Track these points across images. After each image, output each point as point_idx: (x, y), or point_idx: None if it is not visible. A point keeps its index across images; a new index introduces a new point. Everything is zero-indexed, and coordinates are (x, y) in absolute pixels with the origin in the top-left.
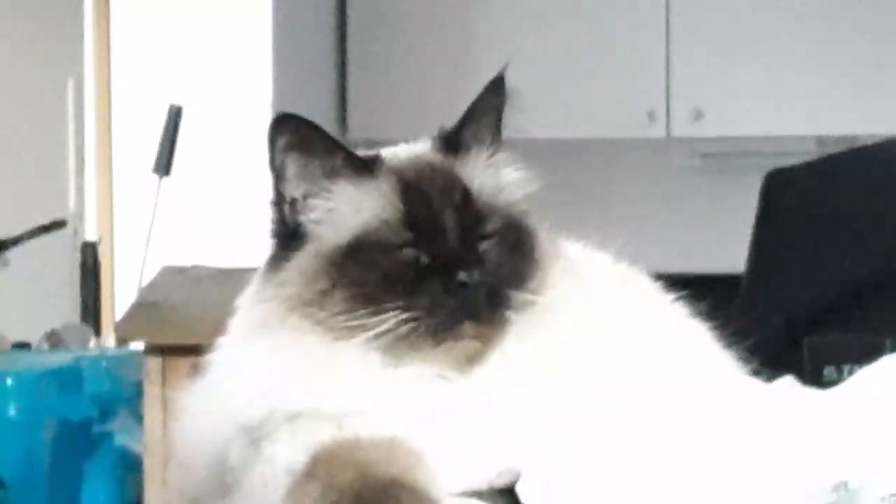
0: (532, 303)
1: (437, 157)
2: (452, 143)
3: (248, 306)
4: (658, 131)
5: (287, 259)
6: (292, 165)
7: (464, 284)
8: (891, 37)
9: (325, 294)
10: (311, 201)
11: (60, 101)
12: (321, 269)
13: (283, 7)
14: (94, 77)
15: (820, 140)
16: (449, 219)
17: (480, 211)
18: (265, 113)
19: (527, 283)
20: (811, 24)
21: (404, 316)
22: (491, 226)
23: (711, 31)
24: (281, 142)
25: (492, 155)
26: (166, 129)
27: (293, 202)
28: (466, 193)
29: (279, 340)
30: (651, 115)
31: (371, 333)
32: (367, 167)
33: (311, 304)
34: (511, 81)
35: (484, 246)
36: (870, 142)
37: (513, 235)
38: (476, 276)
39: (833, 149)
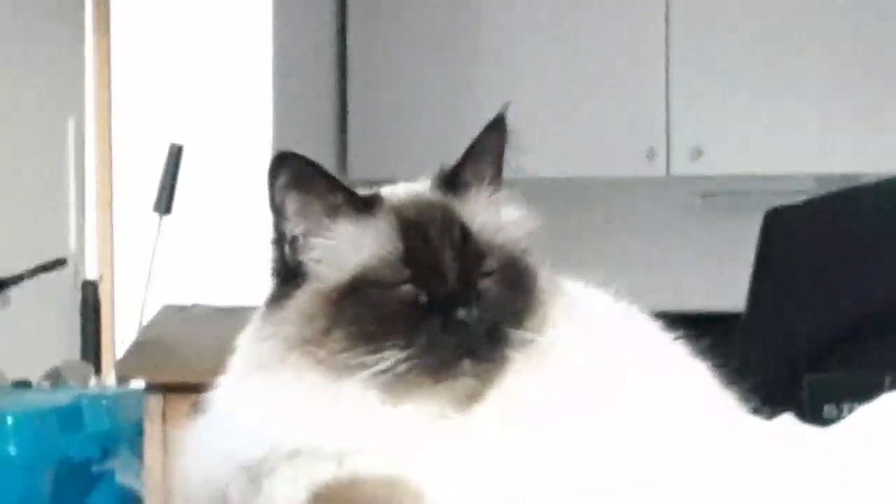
0: (532, 341)
1: (436, 196)
2: (452, 181)
3: (248, 344)
4: (658, 170)
5: (287, 297)
6: (292, 204)
7: (462, 322)
8: (891, 76)
9: (324, 333)
10: (312, 240)
11: (61, 139)
12: (321, 308)
13: (283, 47)
14: (95, 116)
15: (820, 178)
16: (448, 257)
17: (480, 249)
18: (265, 152)
19: (526, 321)
20: (811, 63)
21: (402, 355)
22: (490, 264)
23: (711, 69)
24: (281, 180)
25: (492, 194)
26: (167, 167)
27: (293, 241)
28: (466, 232)
29: (279, 379)
30: (651, 154)
31: (370, 372)
32: (367, 206)
33: (310, 342)
34: (511, 120)
35: (483, 284)
36: (870, 180)
37: (512, 274)
38: (475, 313)
39: (833, 187)
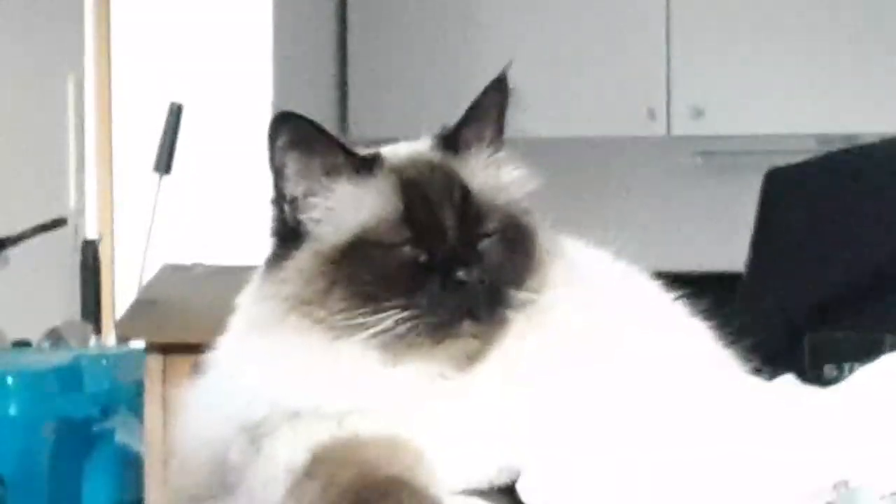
0: (532, 301)
1: (437, 156)
2: (453, 141)
3: (248, 305)
4: (658, 129)
5: (287, 257)
6: (292, 164)
7: (462, 283)
8: (892, 35)
9: (324, 293)
10: (311, 200)
11: (61, 98)
12: (321, 268)
13: (283, 5)
14: (95, 74)
15: (820, 138)
16: (448, 217)
17: (480, 209)
18: (266, 111)
19: (526, 281)
20: (812, 23)
21: (403, 315)
22: (490, 224)
23: (712, 28)
24: (281, 140)
25: (492, 154)
26: (167, 127)
27: (293, 201)
28: (466, 192)
29: (278, 339)
30: (651, 114)
31: (370, 332)
32: (367, 165)
33: (310, 302)
34: (511, 80)
35: (483, 244)
36: (870, 140)
37: (512, 234)
38: (475, 274)
39: (833, 147)
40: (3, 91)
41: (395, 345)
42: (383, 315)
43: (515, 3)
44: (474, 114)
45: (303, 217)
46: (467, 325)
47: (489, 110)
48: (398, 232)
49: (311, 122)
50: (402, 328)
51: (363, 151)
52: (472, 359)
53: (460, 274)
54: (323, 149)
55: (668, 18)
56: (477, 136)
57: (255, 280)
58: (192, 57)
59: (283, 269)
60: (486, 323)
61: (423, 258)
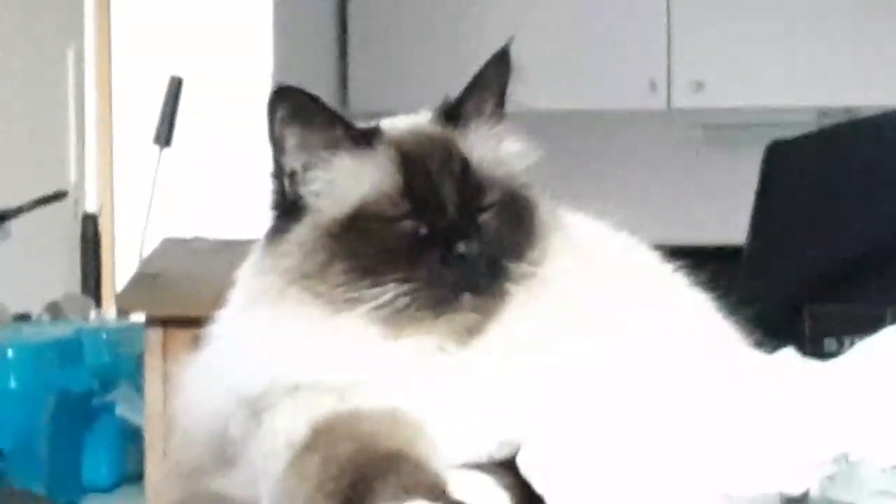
0: (532, 274)
1: (436, 129)
2: (453, 114)
3: (248, 278)
4: (659, 102)
5: (286, 231)
6: (292, 137)
7: (462, 256)
8: (892, 9)
9: (324, 266)
10: (311, 173)
11: (61, 71)
12: (320, 241)
13: None
14: (95, 47)
15: (821, 111)
16: (448, 190)
17: (480, 182)
18: (266, 84)
19: (526, 254)
20: None
21: (403, 288)
22: (490, 197)
23: (712, 2)
24: (280, 113)
25: (493, 127)
26: (167, 100)
27: (293, 174)
28: (465, 165)
29: (279, 312)
30: (652, 86)
31: (370, 305)
32: (366, 139)
33: (310, 276)
34: (513, 53)
35: (483, 217)
36: (871, 113)
37: (512, 207)
38: (475, 247)
39: (834, 120)
40: (3, 64)
41: (395, 318)
42: (383, 288)
43: None
44: (475, 87)
45: (302, 190)
46: (467, 298)
47: (490, 84)
48: (398, 205)
49: (310, 96)
50: (401, 301)
51: (363, 125)
52: (472, 332)
53: (460, 247)
54: (322, 122)
55: None
56: (477, 109)
57: (255, 253)
58: (192, 30)
59: (282, 243)
60: (487, 296)
61: (423, 231)
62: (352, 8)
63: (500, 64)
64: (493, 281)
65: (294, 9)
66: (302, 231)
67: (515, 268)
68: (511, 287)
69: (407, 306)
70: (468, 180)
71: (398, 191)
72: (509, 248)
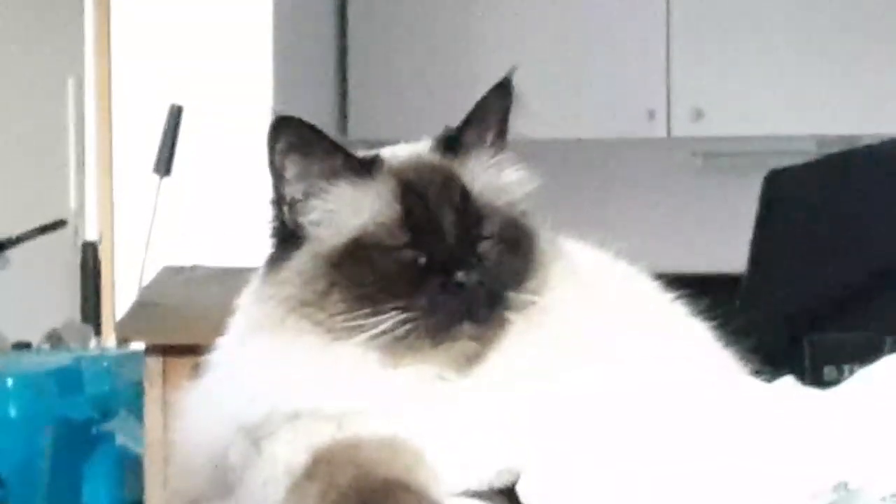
0: (531, 303)
1: (437, 158)
2: (453, 143)
3: (248, 306)
4: (658, 131)
5: (286, 259)
6: (292, 167)
7: (461, 285)
8: (891, 37)
9: (323, 294)
10: (310, 202)
11: (61, 100)
12: (320, 270)
13: (283, 7)
14: (95, 76)
15: (820, 140)
16: (447, 219)
17: (479, 211)
18: (265, 113)
19: (526, 283)
20: (812, 24)
21: (402, 317)
22: (490, 226)
23: (712, 30)
24: (281, 144)
25: (493, 156)
26: (167, 128)
27: (292, 203)
28: (465, 194)
29: (278, 340)
30: (651, 115)
31: (369, 334)
32: (366, 168)
33: (309, 304)
34: (514, 82)
35: (483, 246)
36: (870, 142)
37: (512, 236)
38: (474, 276)
39: (833, 149)
40: (3, 92)
41: (394, 346)
42: (383, 317)
43: (516, 6)
44: (476, 116)
45: (302, 219)
46: (467, 327)
47: (492, 113)
48: (397, 234)
49: (309, 126)
50: (401, 330)
51: (363, 153)
52: (471, 361)
53: (459, 276)
54: (322, 152)
55: (668, 20)
56: (478, 138)
57: (255, 281)
58: (192, 59)
59: (282, 271)
60: (486, 325)
61: (422, 260)
62: (351, 37)
63: (501, 93)
64: (492, 310)
65: (294, 38)
66: (301, 259)
67: (515, 297)
68: (511, 316)
69: (406, 335)
70: (468, 209)
71: (398, 220)
72: (509, 277)
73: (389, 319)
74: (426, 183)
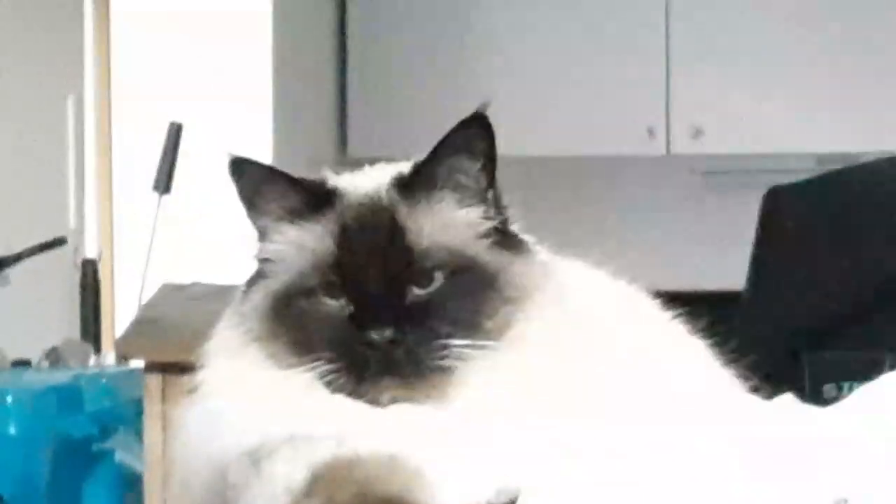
0: (481, 348)
1: (387, 197)
2: (407, 181)
3: (221, 329)
4: (658, 149)
5: (252, 290)
6: (247, 207)
7: (372, 343)
8: (891, 55)
9: (271, 334)
10: (264, 242)
11: (60, 118)
12: (269, 310)
13: (283, 25)
14: (95, 94)
15: (820, 157)
16: (374, 267)
17: (414, 257)
18: (265, 130)
19: (480, 325)
20: (811, 43)
21: (326, 367)
22: (427, 273)
23: (711, 48)
24: (236, 186)
25: (452, 193)
26: (166, 146)
27: (259, 236)
28: (401, 238)
29: (242, 367)
30: (651, 133)
31: (308, 376)
32: (319, 206)
33: (262, 339)
34: (511, 99)
35: (417, 294)
36: (869, 159)
37: (463, 278)
38: (388, 333)
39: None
40: (3, 110)
41: (332, 388)
42: (312, 364)
43: (515, 22)
44: (437, 154)
45: (260, 256)
46: (387, 381)
47: (455, 150)
48: (328, 281)
49: (262, 167)
50: (328, 379)
51: (331, 183)
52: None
53: (370, 335)
54: (274, 193)
55: (667, 37)
56: (438, 175)
57: (234, 303)
58: (192, 76)
59: (245, 302)
60: (410, 379)
61: (348, 310)
62: (351, 53)
63: (466, 130)
64: (419, 363)
65: (293, 55)
66: (257, 296)
67: (456, 344)
68: (450, 363)
69: (332, 384)
70: (401, 255)
71: (332, 266)
72: (455, 323)
73: (318, 367)
74: (361, 226)
